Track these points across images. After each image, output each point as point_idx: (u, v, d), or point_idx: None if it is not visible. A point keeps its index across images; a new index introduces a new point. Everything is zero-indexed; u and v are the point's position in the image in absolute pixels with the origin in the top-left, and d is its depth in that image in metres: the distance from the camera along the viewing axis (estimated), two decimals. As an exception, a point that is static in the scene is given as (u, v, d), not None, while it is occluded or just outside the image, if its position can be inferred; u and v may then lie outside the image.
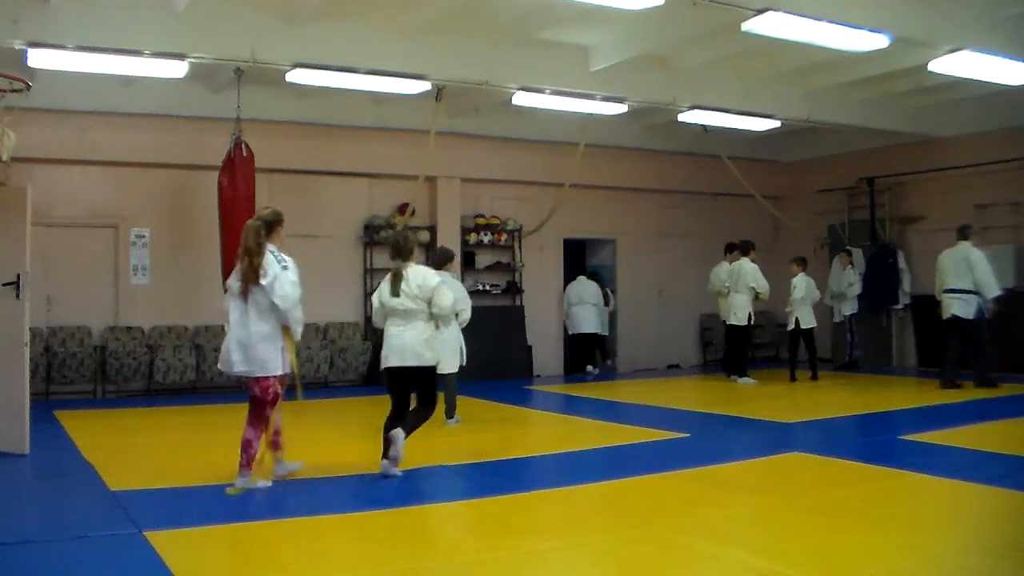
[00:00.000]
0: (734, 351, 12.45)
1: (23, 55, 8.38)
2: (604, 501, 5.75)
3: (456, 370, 8.36)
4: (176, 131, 11.22)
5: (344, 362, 12.07)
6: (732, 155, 13.36)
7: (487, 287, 13.49)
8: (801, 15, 7.99)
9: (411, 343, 6.21)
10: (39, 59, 8.53)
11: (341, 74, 9.66)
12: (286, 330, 5.84)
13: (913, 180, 14.04)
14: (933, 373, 11.74)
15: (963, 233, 11.10)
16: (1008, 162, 12.48)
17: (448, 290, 6.48)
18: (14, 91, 6.79)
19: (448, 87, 10.62)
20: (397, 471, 6.13)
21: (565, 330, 13.92)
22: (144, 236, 11.44)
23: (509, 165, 13.48)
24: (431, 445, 7.28)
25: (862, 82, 11.60)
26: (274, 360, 5.78)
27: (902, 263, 13.82)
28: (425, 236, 12.77)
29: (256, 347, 5.72)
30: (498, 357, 12.34)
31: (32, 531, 4.92)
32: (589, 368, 13.41)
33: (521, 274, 13.76)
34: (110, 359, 10.79)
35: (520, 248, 13.74)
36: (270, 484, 5.94)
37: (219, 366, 5.99)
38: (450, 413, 8.53)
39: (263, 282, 5.67)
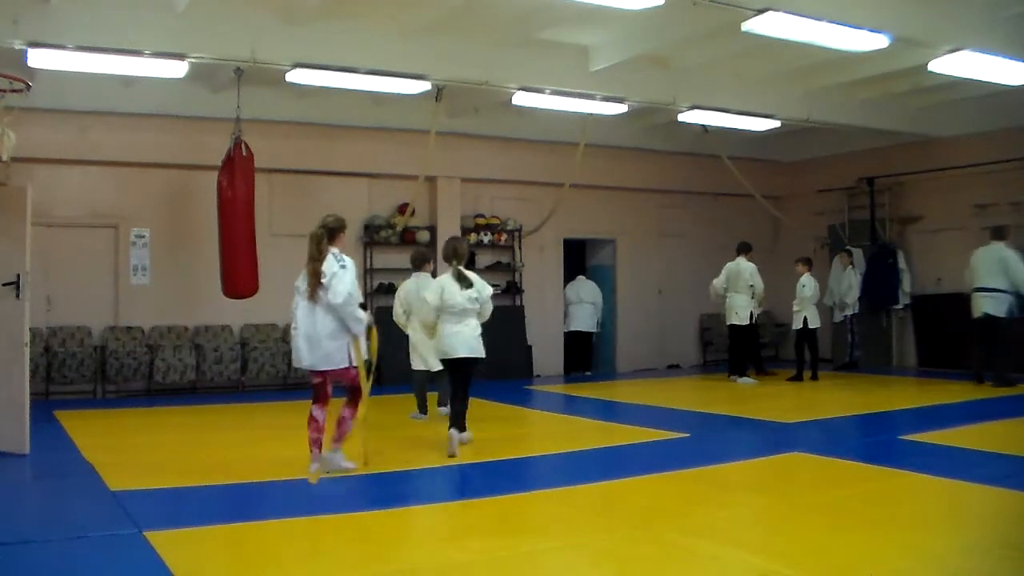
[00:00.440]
0: (736, 351, 12.45)
1: (23, 55, 8.38)
2: (604, 501, 5.75)
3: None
4: (176, 131, 11.22)
5: (344, 362, 12.05)
6: (732, 155, 13.35)
7: (487, 287, 13.49)
8: (801, 15, 7.98)
9: (471, 338, 7.10)
10: (39, 59, 8.52)
11: (341, 74, 9.65)
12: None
13: (913, 180, 14.03)
14: (938, 374, 11.80)
15: (998, 233, 11.32)
16: (1008, 162, 12.48)
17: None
18: (14, 91, 6.79)
19: (448, 87, 10.61)
20: (466, 437, 7.23)
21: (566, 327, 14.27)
22: (144, 236, 11.44)
23: (509, 165, 13.48)
24: (431, 445, 7.29)
25: (862, 82, 11.60)
26: (338, 354, 6.23)
27: (902, 263, 13.82)
28: (425, 236, 12.79)
29: (322, 343, 6.20)
30: (498, 357, 12.20)
31: (32, 531, 4.93)
32: (588, 373, 14.02)
33: (521, 274, 13.76)
34: (110, 359, 10.79)
35: (520, 248, 13.74)
36: (355, 465, 6.40)
37: (294, 363, 6.55)
38: (443, 402, 8.86)
39: (323, 282, 6.14)
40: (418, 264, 9.12)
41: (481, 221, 13.46)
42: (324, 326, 6.18)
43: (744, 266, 12.16)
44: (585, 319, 13.90)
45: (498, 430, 8.47)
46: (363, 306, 6.41)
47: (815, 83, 11.79)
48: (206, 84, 10.82)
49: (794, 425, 8.79)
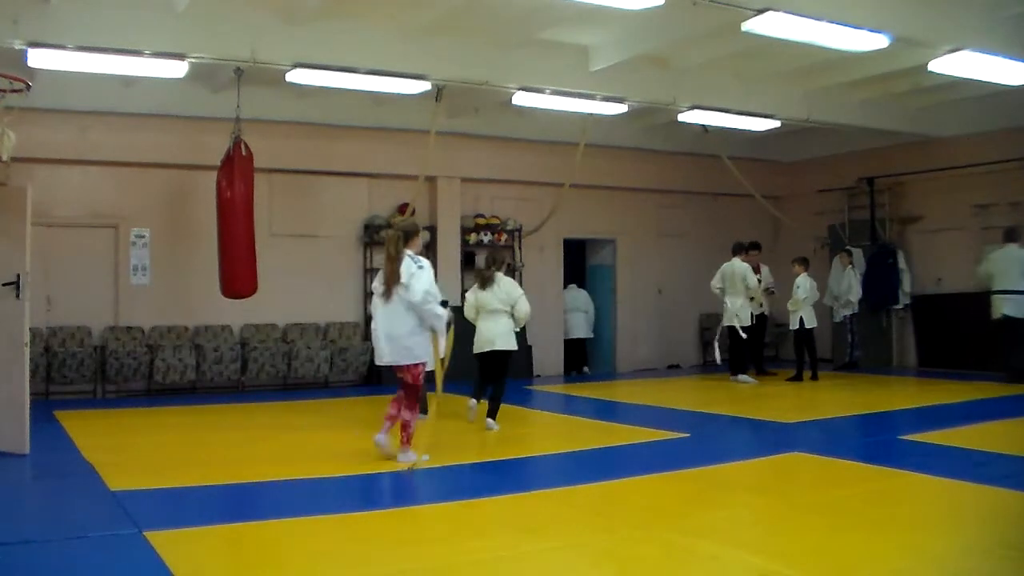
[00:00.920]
0: (736, 350, 12.41)
1: (23, 55, 8.38)
2: (604, 501, 5.75)
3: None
4: (176, 131, 11.22)
5: (344, 362, 12.06)
6: (732, 155, 13.35)
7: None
8: (801, 15, 7.98)
9: (502, 332, 8.23)
10: (39, 59, 8.52)
11: (341, 74, 9.65)
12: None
13: (913, 180, 14.03)
14: (938, 373, 11.84)
15: (1012, 235, 11.55)
16: (1008, 162, 12.48)
17: (526, 300, 8.46)
18: (14, 91, 6.79)
19: (448, 87, 10.61)
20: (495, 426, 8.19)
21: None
22: (144, 236, 11.43)
23: (509, 165, 13.47)
24: (431, 445, 7.28)
25: (862, 82, 11.60)
26: (418, 348, 6.61)
27: (902, 263, 13.82)
28: (425, 236, 12.76)
29: (401, 339, 6.57)
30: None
31: (32, 531, 4.93)
32: (586, 369, 14.46)
33: (521, 274, 13.74)
34: (110, 359, 10.78)
35: (520, 248, 13.74)
36: (428, 457, 6.69)
37: (376, 361, 6.95)
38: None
39: (402, 282, 6.49)
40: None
41: (481, 221, 13.46)
42: (404, 324, 6.55)
43: (738, 267, 12.16)
44: (581, 326, 14.44)
45: (498, 430, 8.47)
46: (444, 303, 6.69)
47: (815, 83, 11.79)
48: (206, 84, 10.81)
49: (794, 425, 8.79)
